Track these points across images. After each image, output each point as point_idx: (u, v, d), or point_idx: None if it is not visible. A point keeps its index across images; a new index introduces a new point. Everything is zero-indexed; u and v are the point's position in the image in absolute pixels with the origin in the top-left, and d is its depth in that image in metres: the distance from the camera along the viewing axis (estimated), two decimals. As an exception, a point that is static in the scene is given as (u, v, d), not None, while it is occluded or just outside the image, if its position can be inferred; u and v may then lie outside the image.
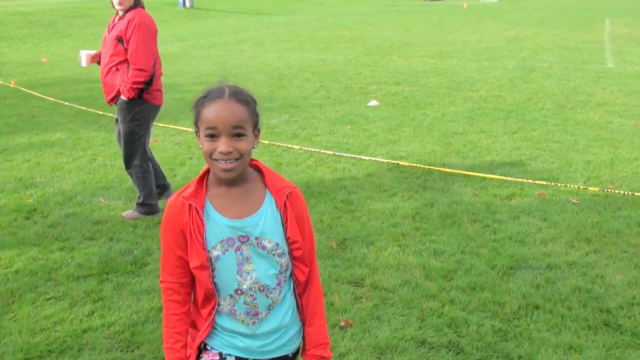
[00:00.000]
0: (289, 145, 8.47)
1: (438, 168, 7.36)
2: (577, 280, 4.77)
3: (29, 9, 29.51)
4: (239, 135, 2.10)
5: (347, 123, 9.84)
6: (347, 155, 8.00)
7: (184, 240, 2.22)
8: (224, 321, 2.32)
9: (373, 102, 11.34)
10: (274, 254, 2.25)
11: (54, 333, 4.06)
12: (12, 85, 13.32)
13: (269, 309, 2.30)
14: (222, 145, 2.08)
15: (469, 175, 7.13)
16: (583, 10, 35.39)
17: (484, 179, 7.02)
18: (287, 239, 2.26)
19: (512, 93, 12.21)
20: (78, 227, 5.74)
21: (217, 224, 2.21)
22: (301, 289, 2.37)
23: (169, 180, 7.07)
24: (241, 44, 21.58)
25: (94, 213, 6.11)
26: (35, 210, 6.22)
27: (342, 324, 4.17)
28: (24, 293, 4.58)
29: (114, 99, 5.86)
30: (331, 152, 8.09)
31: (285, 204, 2.24)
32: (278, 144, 8.58)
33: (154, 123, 9.97)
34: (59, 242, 5.44)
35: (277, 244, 2.25)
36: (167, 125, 9.65)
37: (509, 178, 7.00)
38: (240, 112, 2.11)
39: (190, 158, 8.06)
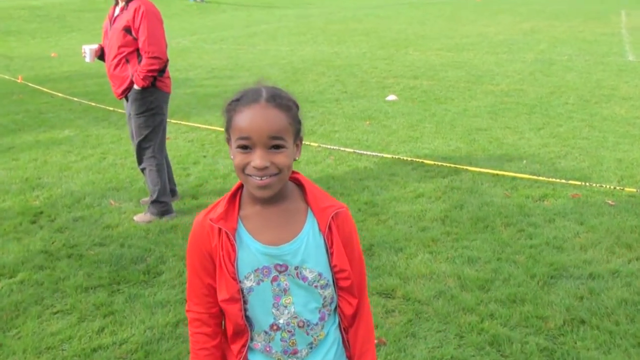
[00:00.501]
0: (307, 143, 8.11)
1: (465, 167, 7.00)
2: (622, 291, 4.41)
3: (37, 3, 29.28)
4: (277, 147, 1.78)
5: (365, 119, 9.49)
6: (368, 153, 7.64)
7: (212, 266, 1.91)
8: (257, 359, 2.00)
9: (391, 97, 10.98)
10: (316, 286, 1.92)
11: (61, 352, 3.73)
12: (19, 81, 13.02)
13: (310, 347, 1.99)
14: (257, 158, 1.76)
15: (498, 174, 6.77)
16: (597, 2, 34.78)
17: (514, 178, 6.66)
18: (332, 267, 1.93)
19: (533, 87, 11.80)
20: (87, 232, 5.41)
21: (251, 251, 1.89)
22: (347, 323, 2.04)
23: (182, 180, 6.77)
24: (253, 38, 21.21)
25: (103, 216, 5.79)
26: (41, 213, 5.91)
27: (376, 342, 3.82)
28: (29, 306, 4.26)
29: (126, 90, 5.55)
30: (351, 150, 7.74)
31: (330, 227, 1.90)
32: (295, 141, 8.21)
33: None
34: (67, 248, 5.11)
35: (319, 274, 1.92)
36: (179, 122, 9.32)
37: (540, 178, 6.63)
38: (280, 120, 1.78)
39: (205, 156, 7.72)
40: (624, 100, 10.56)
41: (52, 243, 5.22)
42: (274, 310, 1.92)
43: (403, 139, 8.33)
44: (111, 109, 10.20)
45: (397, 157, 7.46)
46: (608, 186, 6.36)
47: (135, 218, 5.71)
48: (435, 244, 5.17)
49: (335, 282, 1.95)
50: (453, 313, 4.15)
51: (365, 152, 7.66)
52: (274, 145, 1.77)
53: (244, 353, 1.98)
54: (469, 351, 3.76)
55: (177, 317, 4.05)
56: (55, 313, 4.18)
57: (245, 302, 1.91)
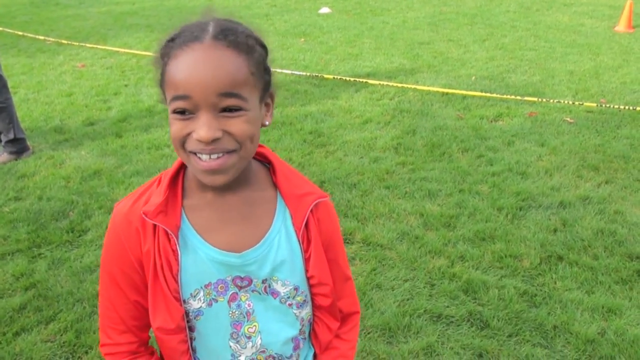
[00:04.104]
0: (239, 66, 7.46)
1: (412, 86, 6.53)
2: (596, 220, 4.12)
3: None
4: (231, 109, 1.15)
5: (299, 35, 8.84)
6: (307, 74, 7.06)
7: (142, 278, 1.31)
8: None
9: (324, 9, 10.33)
10: (290, 304, 1.37)
11: (-23, 339, 3.17)
12: None
13: None
14: (202, 127, 1.14)
15: (447, 93, 6.34)
16: None
17: (464, 97, 6.24)
18: (308, 278, 1.37)
19: (471, -6, 11.33)
20: (0, 184, 4.72)
21: (200, 258, 1.29)
22: (321, 351, 1.49)
23: (102, 114, 6.09)
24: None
25: (17, 164, 5.07)
26: (-56, 163, 5.16)
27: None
28: None
29: None
30: (289, 72, 7.14)
31: (307, 223, 1.34)
32: (226, 64, 7.54)
33: (81, 44, 8.80)
34: (-24, 205, 4.45)
35: (295, 288, 1.36)
36: (95, 46, 8.47)
37: (493, 95, 6.24)
38: (234, 67, 1.14)
39: (126, 85, 7.00)
40: (566, 7, 10.24)
41: (-41, 199, 4.54)
42: (232, 344, 1.36)
43: (342, 57, 7.78)
44: (20, 33, 9.20)
45: (338, 77, 6.92)
46: (565, 101, 6.03)
47: None
48: (391, 176, 4.74)
49: (311, 298, 1.42)
50: (419, 257, 3.76)
51: (303, 74, 7.08)
52: (227, 107, 1.15)
53: None
54: (442, 301, 3.39)
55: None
56: (-33, 288, 3.58)
57: (191, 330, 1.36)
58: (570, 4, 10.35)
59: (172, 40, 1.18)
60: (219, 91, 1.12)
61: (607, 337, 3.08)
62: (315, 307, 1.42)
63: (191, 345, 1.37)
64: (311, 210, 1.34)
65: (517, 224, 4.10)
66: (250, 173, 1.32)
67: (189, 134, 1.16)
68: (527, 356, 2.97)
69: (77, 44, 8.76)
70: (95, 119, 5.98)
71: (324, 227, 1.37)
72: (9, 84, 5.31)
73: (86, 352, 3.02)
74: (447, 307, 3.35)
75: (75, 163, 5.04)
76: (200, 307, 1.32)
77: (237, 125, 1.16)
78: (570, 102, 5.97)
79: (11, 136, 5.10)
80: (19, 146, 5.16)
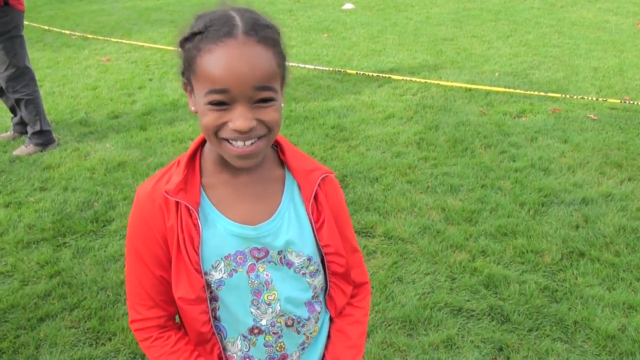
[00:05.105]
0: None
1: (435, 81, 6.52)
2: (618, 217, 4.09)
3: None
4: (265, 100, 1.24)
5: (323, 31, 8.86)
6: (330, 69, 7.08)
7: (166, 254, 1.39)
8: None
9: (348, 5, 10.34)
10: (304, 273, 1.46)
11: (5, 325, 3.23)
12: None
13: (302, 349, 1.54)
14: (239, 118, 1.23)
15: (471, 88, 6.32)
16: None
17: (488, 93, 6.22)
18: (322, 247, 1.46)
19: (495, -10, 11.27)
20: (25, 175, 4.80)
21: (219, 231, 1.39)
22: (336, 314, 1.58)
23: (127, 107, 6.15)
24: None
25: (43, 156, 5.15)
26: (-27, 154, 5.26)
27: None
28: (-37, 268, 3.71)
29: None
30: (312, 67, 7.16)
31: (316, 197, 1.43)
32: (249, 59, 7.58)
33: (106, 38, 8.90)
34: (4, 195, 4.50)
35: (309, 259, 1.45)
36: (120, 41, 8.55)
37: (516, 91, 6.21)
38: (267, 62, 1.22)
39: (150, 79, 7.06)
40: (590, 3, 10.15)
41: (-14, 189, 4.62)
42: (253, 310, 1.44)
43: (365, 53, 7.78)
44: (46, 27, 9.31)
45: (361, 72, 6.92)
46: (589, 97, 5.99)
47: (15, 152, 5.20)
48: (413, 171, 4.74)
49: (326, 266, 1.49)
50: (441, 252, 3.76)
51: (326, 69, 7.10)
52: (263, 98, 1.23)
53: None
54: (463, 295, 3.39)
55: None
56: (-6, 275, 3.65)
57: (215, 300, 1.43)
58: (595, 1, 10.25)
59: (200, 33, 1.24)
60: (255, 85, 1.21)
61: (628, 334, 3.06)
62: (330, 273, 1.51)
63: (215, 315, 1.45)
64: (319, 185, 1.44)
65: (539, 219, 4.08)
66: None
67: (224, 124, 1.25)
68: (547, 351, 2.97)
69: (102, 38, 8.86)
70: (120, 112, 6.05)
71: (331, 201, 1.47)
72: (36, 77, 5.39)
73: (109, 339, 3.07)
74: (468, 301, 3.35)
75: (100, 155, 5.11)
76: (222, 277, 1.40)
77: (269, 114, 1.26)
78: (594, 99, 5.94)
79: (37, 128, 5.18)
80: (44, 138, 5.24)
